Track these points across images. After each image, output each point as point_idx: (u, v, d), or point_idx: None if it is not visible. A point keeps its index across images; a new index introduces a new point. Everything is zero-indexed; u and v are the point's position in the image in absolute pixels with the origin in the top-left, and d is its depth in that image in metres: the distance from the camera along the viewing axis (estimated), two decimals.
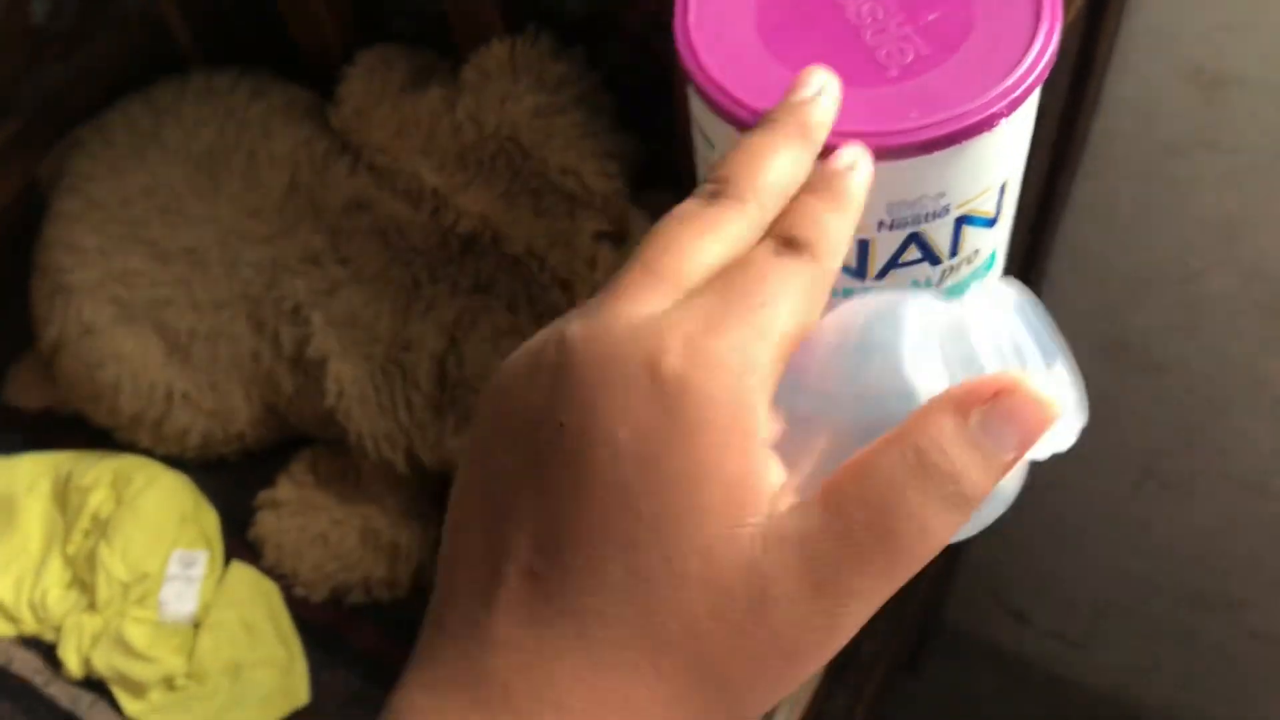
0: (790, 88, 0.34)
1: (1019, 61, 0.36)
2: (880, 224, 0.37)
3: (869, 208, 0.37)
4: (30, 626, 0.89)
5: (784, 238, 0.31)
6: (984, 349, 0.30)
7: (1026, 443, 0.28)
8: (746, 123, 0.36)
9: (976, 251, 0.40)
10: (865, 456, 0.28)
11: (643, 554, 0.28)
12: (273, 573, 0.91)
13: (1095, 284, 0.97)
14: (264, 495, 0.93)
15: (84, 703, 0.86)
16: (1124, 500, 1.20)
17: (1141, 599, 1.34)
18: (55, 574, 0.90)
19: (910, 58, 0.36)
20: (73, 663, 0.86)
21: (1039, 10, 0.37)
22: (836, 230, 0.32)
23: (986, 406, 0.28)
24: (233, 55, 0.98)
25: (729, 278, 0.30)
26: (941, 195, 0.37)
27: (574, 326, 0.30)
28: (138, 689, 0.85)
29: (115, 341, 0.90)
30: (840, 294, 0.36)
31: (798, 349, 0.30)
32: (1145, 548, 1.26)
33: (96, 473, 0.92)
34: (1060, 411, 0.28)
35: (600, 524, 0.28)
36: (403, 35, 0.93)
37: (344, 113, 0.89)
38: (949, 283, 0.40)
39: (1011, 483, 0.32)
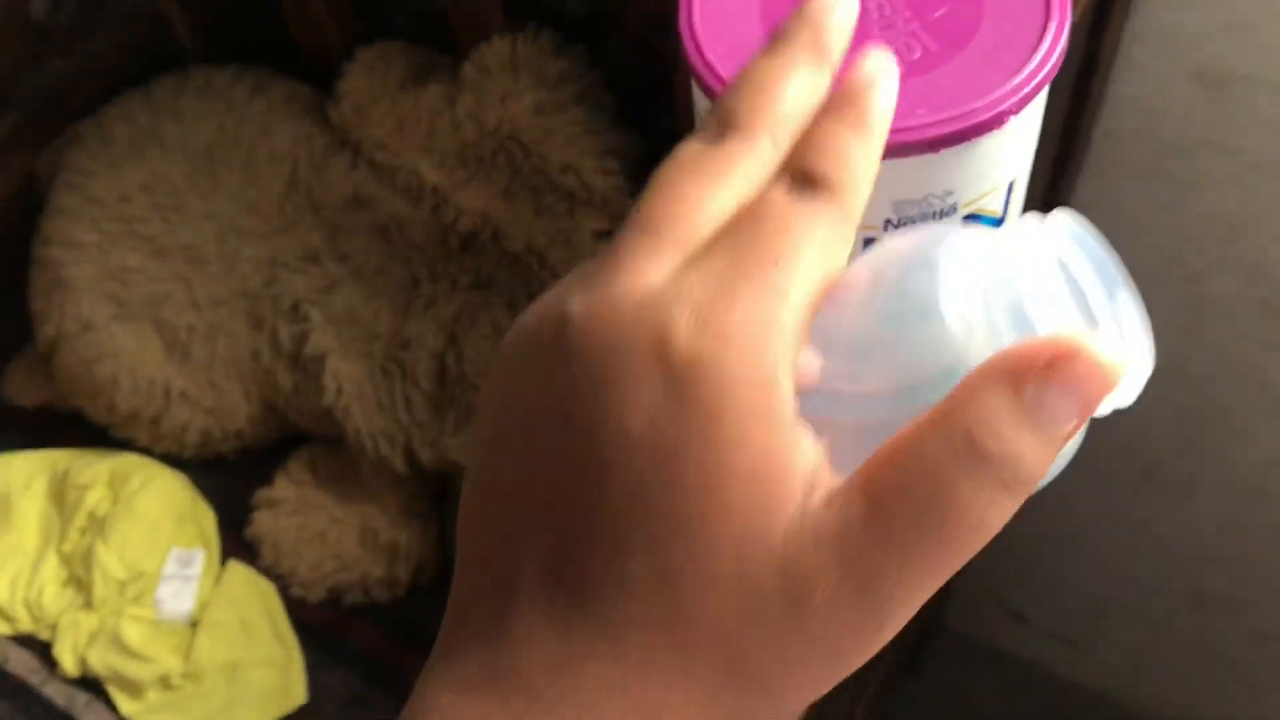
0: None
1: (1028, 59, 0.35)
2: (886, 222, 0.37)
3: (874, 205, 0.36)
4: (26, 625, 0.88)
5: (801, 175, 0.27)
6: (1037, 293, 0.26)
7: (1088, 410, 0.25)
8: None
9: None
10: (908, 440, 0.25)
11: (666, 553, 0.25)
12: (270, 572, 0.91)
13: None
14: (261, 494, 0.92)
15: (80, 702, 0.86)
16: (1124, 500, 1.19)
17: (1142, 600, 1.34)
18: (51, 572, 0.89)
19: (918, 54, 0.36)
20: (69, 661, 0.86)
21: (1048, 7, 0.36)
22: (860, 160, 0.28)
23: (1042, 377, 0.24)
24: (233, 52, 0.98)
25: (740, 232, 0.26)
26: (949, 194, 0.36)
27: (573, 302, 0.27)
28: (134, 688, 0.85)
29: (113, 338, 0.90)
30: None
31: (824, 304, 0.27)
32: (1145, 548, 1.25)
33: (94, 471, 0.91)
34: (1127, 368, 0.25)
35: (619, 523, 0.25)
36: (403, 32, 0.93)
37: (344, 109, 0.88)
38: None
39: (1070, 444, 0.28)
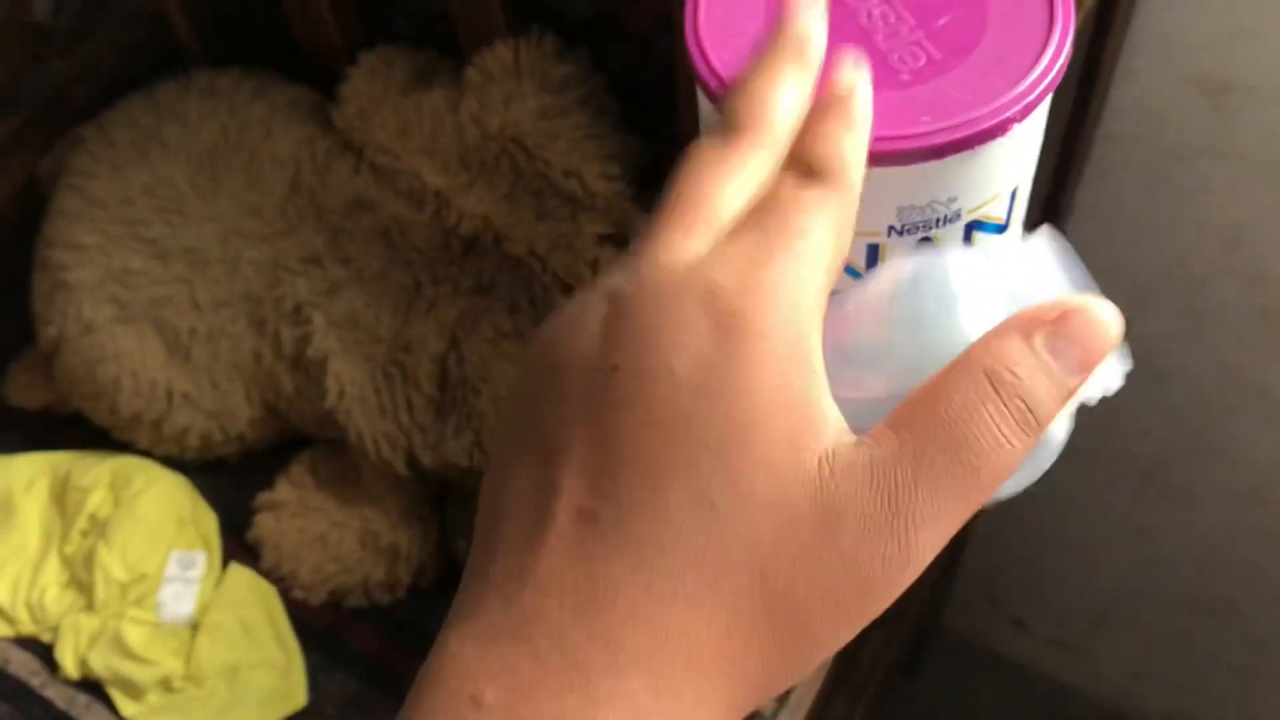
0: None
1: (1032, 66, 0.35)
2: (890, 229, 0.37)
3: (879, 211, 0.36)
4: (27, 627, 0.88)
5: (806, 167, 0.31)
6: (1030, 287, 0.30)
7: (1089, 365, 0.28)
8: None
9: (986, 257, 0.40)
10: (934, 382, 0.28)
11: (705, 479, 0.27)
12: (271, 575, 0.91)
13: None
14: (263, 497, 0.92)
15: (80, 704, 0.86)
16: (1124, 507, 1.20)
17: (1141, 606, 1.34)
18: (53, 574, 0.90)
19: (922, 62, 0.36)
20: (69, 664, 0.86)
21: (1052, 15, 0.36)
22: (852, 151, 0.32)
23: (1051, 329, 0.28)
24: (236, 54, 0.98)
25: (762, 215, 0.30)
26: (953, 200, 0.37)
27: (619, 279, 0.30)
28: (135, 690, 0.85)
29: (115, 340, 0.90)
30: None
31: (841, 299, 0.30)
32: (1145, 554, 1.26)
33: (96, 473, 0.91)
34: (1120, 334, 0.28)
35: (660, 455, 0.27)
36: (406, 35, 0.93)
37: (347, 112, 0.89)
38: None
39: (1059, 431, 0.32)
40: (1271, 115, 0.78)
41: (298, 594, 0.90)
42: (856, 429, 0.29)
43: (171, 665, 0.85)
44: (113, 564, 0.87)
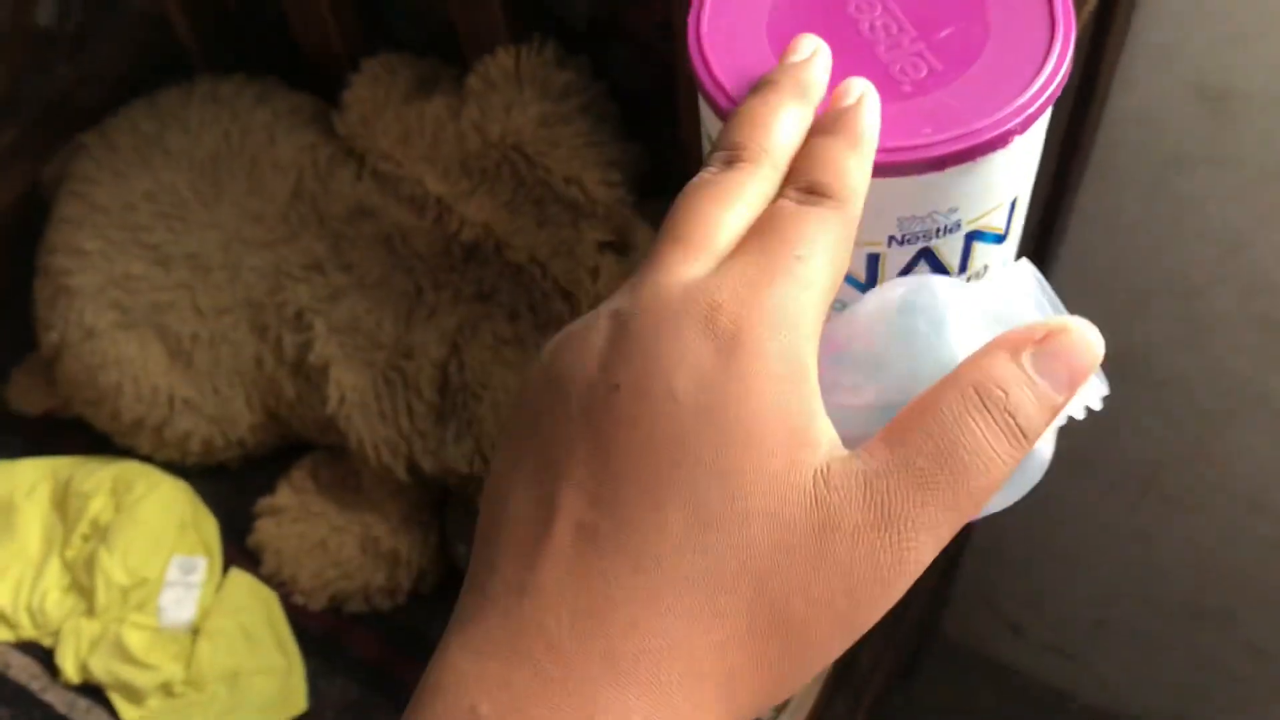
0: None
1: (1033, 78, 0.36)
2: (891, 239, 0.37)
3: (879, 221, 0.37)
4: (28, 631, 0.89)
5: (806, 186, 0.32)
6: (1014, 310, 0.31)
7: (1074, 383, 0.29)
8: None
9: (986, 267, 0.40)
10: (925, 398, 0.29)
11: (703, 495, 0.28)
12: (272, 580, 0.91)
13: (1098, 297, 0.97)
14: (264, 502, 0.92)
15: (80, 708, 0.86)
16: (1123, 513, 1.20)
17: (1139, 612, 1.34)
18: (54, 578, 0.90)
19: (924, 73, 0.36)
20: (70, 668, 0.86)
21: (1053, 27, 0.37)
22: (854, 170, 0.32)
23: (1038, 347, 0.29)
24: (239, 61, 0.98)
25: (762, 236, 0.31)
26: (953, 211, 0.37)
27: (622, 301, 0.30)
28: (135, 695, 0.85)
29: (117, 346, 0.90)
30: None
31: (834, 324, 0.31)
32: (1143, 561, 1.26)
33: (97, 479, 0.91)
34: (1101, 354, 0.30)
35: (659, 471, 0.28)
36: (408, 43, 0.93)
37: (349, 119, 0.89)
38: None
39: (1045, 448, 0.33)
40: (1270, 122, 0.78)
41: (298, 599, 0.90)
42: (849, 435, 0.30)
43: (172, 670, 0.86)
44: (114, 569, 0.87)
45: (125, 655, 0.85)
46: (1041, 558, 1.35)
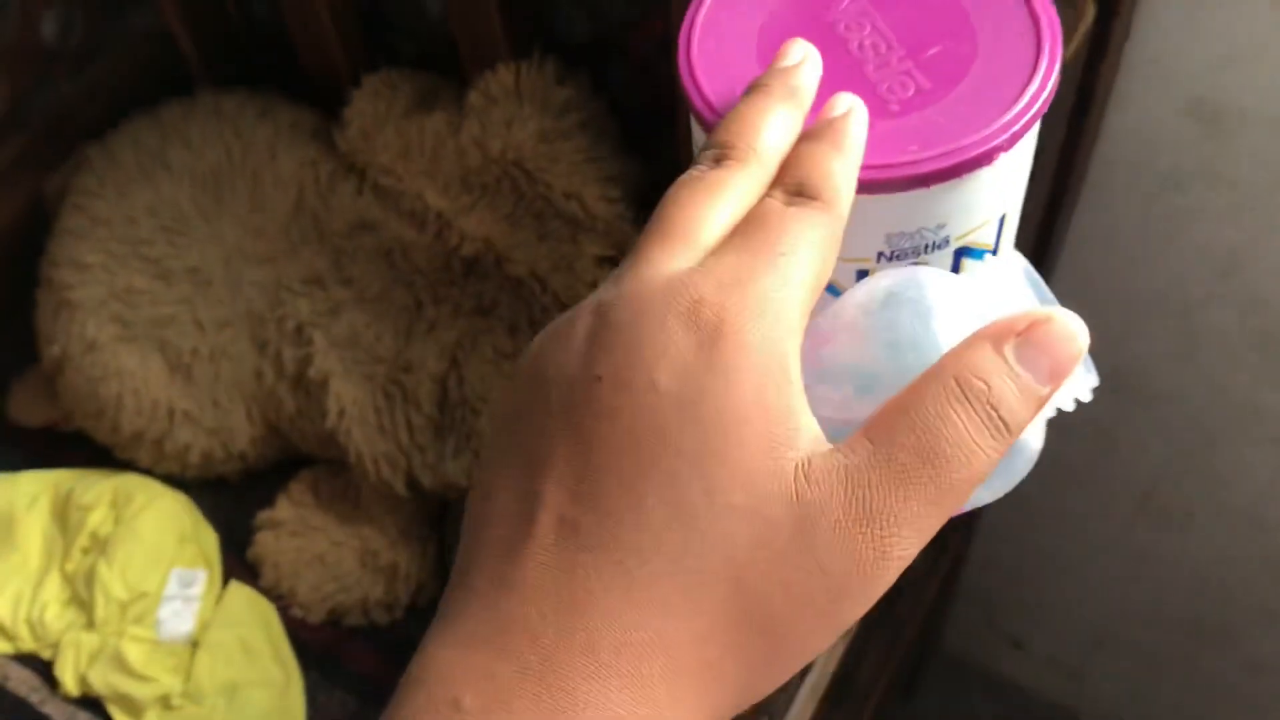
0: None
1: (1018, 96, 0.36)
2: (880, 255, 0.38)
3: (868, 238, 0.37)
4: (27, 644, 0.89)
5: (792, 187, 0.32)
6: (1001, 301, 0.31)
7: (1059, 374, 0.29)
8: None
9: None
10: (907, 391, 0.29)
11: (684, 489, 0.28)
12: (271, 593, 0.91)
13: (1094, 314, 0.96)
14: (263, 515, 0.93)
15: None
16: (1121, 529, 1.20)
17: (1138, 628, 1.34)
18: (53, 591, 0.90)
19: (911, 92, 0.37)
20: (69, 681, 0.86)
21: (1039, 46, 0.37)
22: (841, 175, 0.32)
23: (1020, 338, 0.29)
24: (241, 76, 0.99)
25: (747, 232, 0.31)
26: (941, 227, 0.37)
27: (606, 294, 0.30)
28: (134, 708, 0.85)
29: (118, 359, 0.91)
30: None
31: (820, 317, 0.31)
32: (1142, 577, 1.26)
33: (97, 491, 0.92)
34: (1086, 344, 0.29)
35: (640, 464, 0.28)
36: (409, 59, 0.94)
37: (350, 135, 0.89)
38: None
39: (1034, 440, 0.33)
40: (1265, 140, 0.78)
41: (297, 612, 0.90)
42: (833, 434, 0.29)
43: (171, 683, 0.86)
44: (113, 581, 0.88)
45: (124, 668, 0.85)
46: (1041, 573, 1.35)
